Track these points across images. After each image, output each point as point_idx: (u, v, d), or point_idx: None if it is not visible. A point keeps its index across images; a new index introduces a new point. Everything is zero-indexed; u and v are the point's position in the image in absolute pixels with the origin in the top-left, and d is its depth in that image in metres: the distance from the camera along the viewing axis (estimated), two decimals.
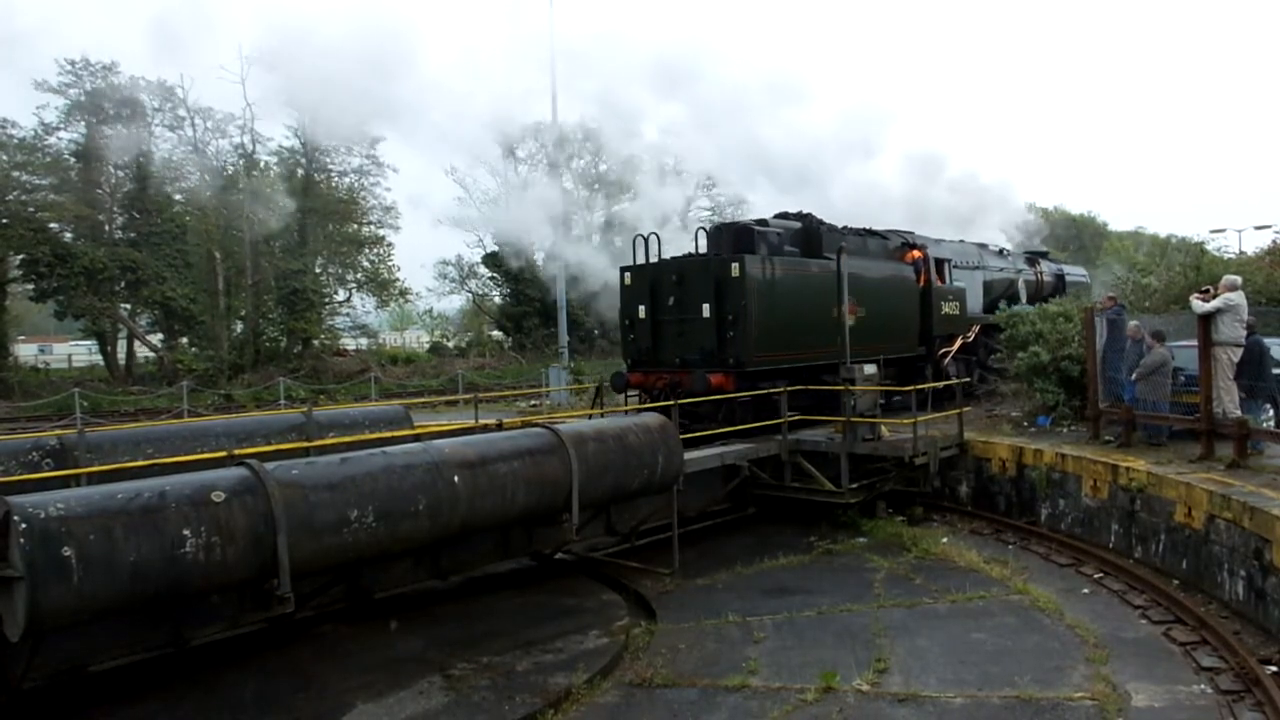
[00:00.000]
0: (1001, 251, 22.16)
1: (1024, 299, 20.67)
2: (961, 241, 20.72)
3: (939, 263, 18.45)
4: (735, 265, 13.81)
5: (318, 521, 6.93)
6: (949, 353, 18.30)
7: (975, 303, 19.51)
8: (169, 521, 6.13)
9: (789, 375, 14.05)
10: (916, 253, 18.05)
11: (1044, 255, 24.92)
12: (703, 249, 15.29)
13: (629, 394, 15.26)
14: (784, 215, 16.60)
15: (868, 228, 17.85)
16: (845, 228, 17.08)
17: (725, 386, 13.53)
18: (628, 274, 15.39)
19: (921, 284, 17.77)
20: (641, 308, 14.93)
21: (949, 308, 18.36)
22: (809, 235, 16.00)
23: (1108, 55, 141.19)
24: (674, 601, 9.89)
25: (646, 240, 15.16)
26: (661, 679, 7.66)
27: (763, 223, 15.56)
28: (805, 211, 16.86)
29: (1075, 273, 25.40)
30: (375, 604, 9.33)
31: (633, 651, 8.36)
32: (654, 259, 15.06)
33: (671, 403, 11.63)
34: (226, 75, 47.97)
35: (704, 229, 15.97)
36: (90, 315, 34.85)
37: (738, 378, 13.64)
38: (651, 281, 14.82)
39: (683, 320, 14.41)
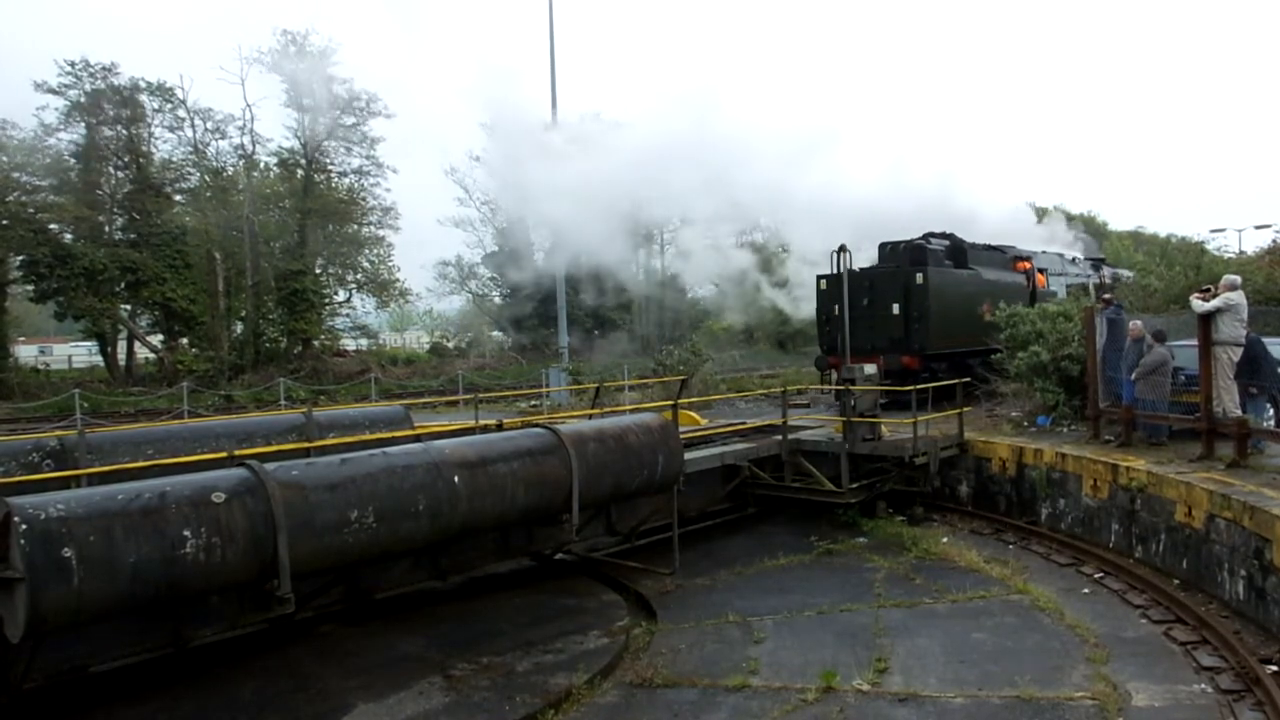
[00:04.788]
0: (1074, 260, 25.98)
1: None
2: (1044, 252, 24.25)
3: (1040, 271, 22.19)
4: (919, 274, 18.06)
5: (318, 522, 6.93)
6: None
7: None
8: (169, 522, 6.13)
9: (949, 359, 18.01)
10: (1026, 264, 21.81)
11: (1103, 261, 28.86)
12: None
13: (825, 372, 19.06)
14: (930, 235, 20.11)
15: (988, 243, 21.70)
16: (974, 244, 20.76)
17: (913, 366, 17.52)
18: (823, 281, 19.52)
19: (1029, 289, 21.19)
20: (837, 307, 18.37)
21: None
22: (956, 250, 20.09)
23: (1108, 54, 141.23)
24: (674, 601, 9.89)
25: (838, 254, 18.63)
26: (662, 679, 7.66)
27: (926, 240, 19.42)
28: (948, 231, 20.77)
29: (1127, 275, 28.18)
30: (375, 604, 9.33)
31: (633, 651, 8.36)
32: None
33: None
34: (226, 76, 47.86)
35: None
36: (90, 316, 34.81)
37: (921, 360, 17.73)
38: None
39: (872, 316, 18.42)
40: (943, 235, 20.36)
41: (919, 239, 19.55)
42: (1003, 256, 21.60)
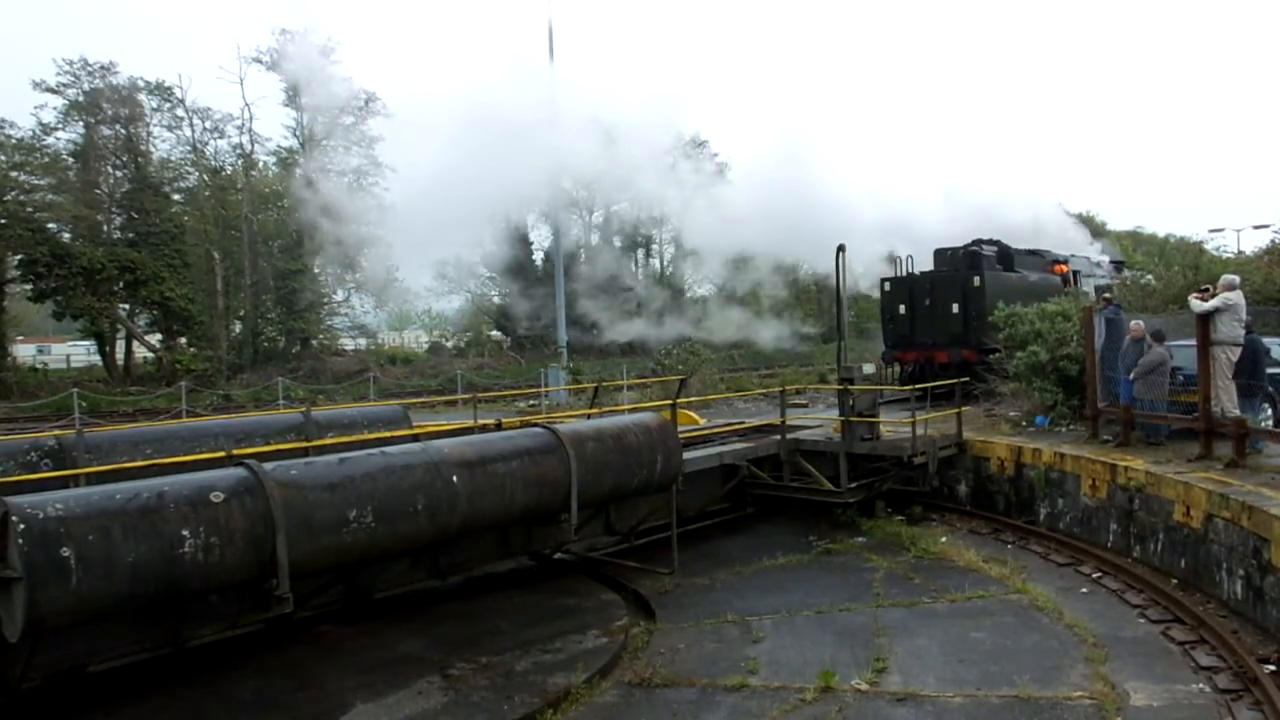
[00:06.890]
0: (1098, 263, 27.78)
1: None
2: (1073, 256, 25.96)
3: (1075, 274, 24.07)
4: (977, 277, 20.07)
5: (316, 522, 6.93)
6: None
7: None
8: (168, 522, 6.12)
9: (1000, 352, 18.29)
10: (1063, 266, 23.68)
11: (1123, 263, 30.06)
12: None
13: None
14: (978, 241, 21.80)
15: (1030, 248, 23.68)
16: (1018, 249, 22.57)
17: (970, 359, 19.21)
18: (887, 283, 21.83)
19: (1065, 289, 22.19)
20: (901, 306, 21.11)
21: None
22: (1004, 255, 22.10)
23: (1107, 54, 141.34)
24: (673, 601, 9.89)
25: (904, 260, 21.87)
26: (661, 679, 7.66)
27: (978, 246, 21.29)
28: (995, 238, 22.59)
29: (1146, 276, 28.51)
30: (375, 604, 9.33)
31: (632, 651, 8.36)
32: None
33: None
34: (225, 75, 47.87)
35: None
36: (89, 315, 34.77)
37: (977, 353, 19.19)
38: (909, 288, 21.18)
39: (934, 315, 20.50)
40: (990, 241, 22.08)
41: (971, 245, 21.35)
42: (1042, 260, 23.45)
